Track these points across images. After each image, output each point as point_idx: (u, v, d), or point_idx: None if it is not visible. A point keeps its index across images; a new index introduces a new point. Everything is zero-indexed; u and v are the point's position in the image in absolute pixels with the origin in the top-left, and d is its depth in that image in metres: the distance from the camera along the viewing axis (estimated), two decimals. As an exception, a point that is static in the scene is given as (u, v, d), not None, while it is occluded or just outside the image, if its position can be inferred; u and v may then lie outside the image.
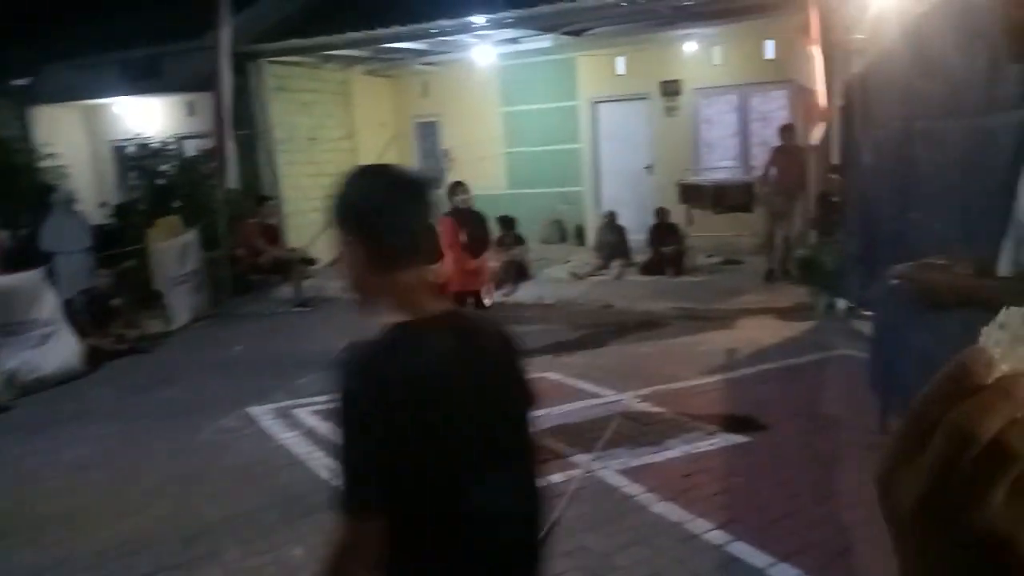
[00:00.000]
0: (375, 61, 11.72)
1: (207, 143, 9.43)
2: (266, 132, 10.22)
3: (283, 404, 5.15)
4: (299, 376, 5.71)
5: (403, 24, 9.45)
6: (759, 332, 6.50)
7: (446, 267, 5.80)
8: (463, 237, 5.81)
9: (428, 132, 12.81)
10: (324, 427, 4.63)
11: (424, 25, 9.42)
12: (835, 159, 7.28)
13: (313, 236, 10.82)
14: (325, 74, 11.52)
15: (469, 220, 5.95)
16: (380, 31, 9.67)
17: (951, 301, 1.58)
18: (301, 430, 4.63)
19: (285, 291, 8.73)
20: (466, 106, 12.10)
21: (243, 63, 9.62)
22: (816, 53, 6.91)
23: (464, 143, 12.06)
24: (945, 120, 3.23)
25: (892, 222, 4.64)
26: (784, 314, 6.96)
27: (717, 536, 3.16)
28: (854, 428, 4.20)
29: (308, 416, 4.87)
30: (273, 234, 8.62)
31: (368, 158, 12.09)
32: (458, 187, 6.02)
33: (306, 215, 10.97)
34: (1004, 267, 1.51)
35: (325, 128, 11.45)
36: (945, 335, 2.51)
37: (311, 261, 8.98)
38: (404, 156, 12.66)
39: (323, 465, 4.03)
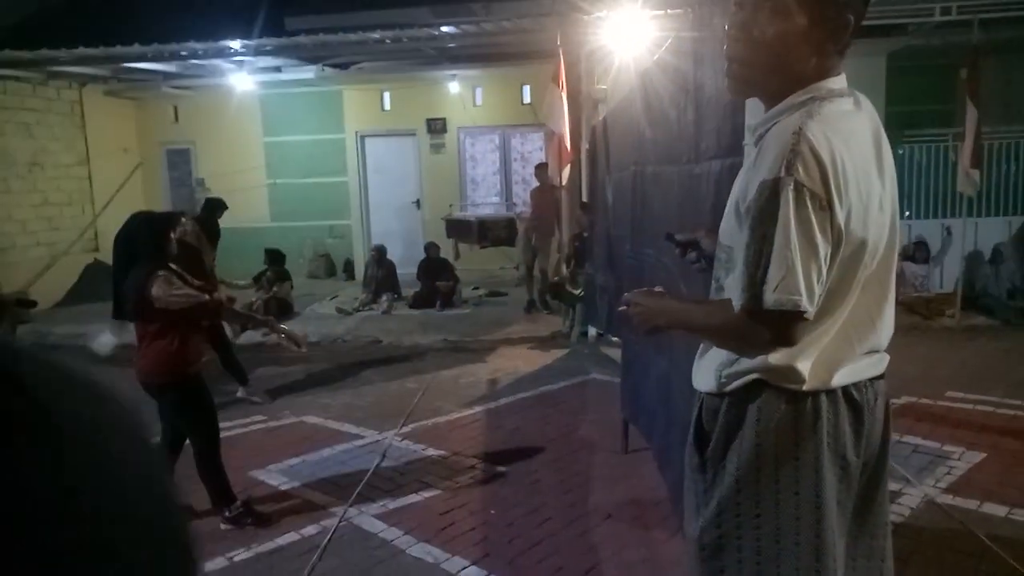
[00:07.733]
0: (115, 81, 10.61)
1: None
2: (-29, 155, 8.76)
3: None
4: None
5: (147, 43, 8.63)
6: (519, 361, 6.74)
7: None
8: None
9: (180, 160, 11.82)
10: None
11: (172, 46, 8.67)
12: (585, 198, 7.86)
13: (35, 274, 9.44)
14: (51, 92, 10.21)
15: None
16: (119, 49, 8.74)
17: (663, 324, 1.71)
18: None
19: (-5, 339, 7.44)
20: (224, 134, 11.37)
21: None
22: (564, 100, 7.44)
23: (222, 173, 11.30)
24: (666, 166, 3.58)
25: (631, 256, 5.08)
26: (542, 343, 7.33)
27: (472, 573, 3.15)
28: (602, 450, 4.47)
29: None
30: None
31: (107, 187, 10.87)
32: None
33: (25, 251, 9.56)
34: (713, 293, 1.66)
35: (51, 153, 10.10)
36: (678, 359, 2.73)
37: (29, 303, 7.78)
38: (152, 186, 11.56)
39: None
